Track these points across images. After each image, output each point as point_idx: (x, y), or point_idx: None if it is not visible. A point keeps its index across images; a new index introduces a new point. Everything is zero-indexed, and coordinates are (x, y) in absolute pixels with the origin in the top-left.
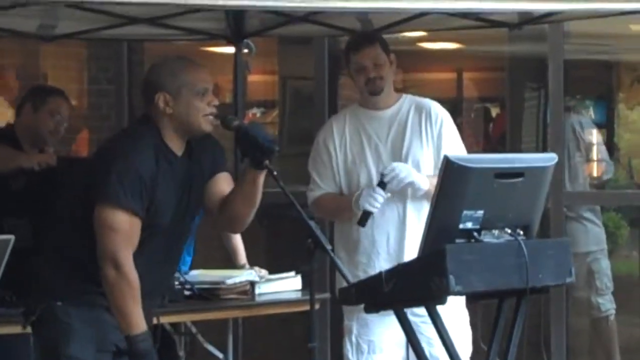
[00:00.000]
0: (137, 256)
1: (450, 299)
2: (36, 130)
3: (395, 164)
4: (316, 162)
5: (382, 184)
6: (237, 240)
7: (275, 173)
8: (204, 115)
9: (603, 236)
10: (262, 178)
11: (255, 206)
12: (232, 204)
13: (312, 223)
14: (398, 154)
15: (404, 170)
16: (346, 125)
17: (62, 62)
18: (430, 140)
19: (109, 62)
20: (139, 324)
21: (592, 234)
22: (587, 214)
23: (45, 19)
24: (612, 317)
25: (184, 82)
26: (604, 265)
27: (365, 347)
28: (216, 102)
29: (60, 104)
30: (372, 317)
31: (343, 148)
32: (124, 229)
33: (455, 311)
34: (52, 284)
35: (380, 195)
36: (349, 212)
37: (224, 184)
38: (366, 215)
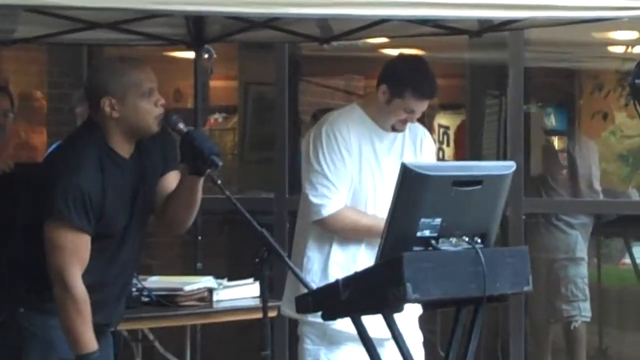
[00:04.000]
0: (96, 266)
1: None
2: None
3: None
4: (334, 164)
5: None
6: None
7: (219, 182)
8: (152, 116)
9: (575, 243)
10: (200, 183)
11: (194, 210)
12: (171, 207)
13: (263, 230)
14: (393, 180)
15: None
16: (360, 133)
17: (23, 67)
18: None
19: (69, 67)
20: (88, 344)
21: (560, 241)
22: (556, 222)
23: (4, 23)
24: (576, 324)
25: (129, 84)
26: (572, 272)
27: None
28: (163, 102)
29: None
30: (343, 339)
31: (358, 157)
32: (69, 246)
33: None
34: (14, 290)
35: None
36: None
37: (172, 183)
38: None
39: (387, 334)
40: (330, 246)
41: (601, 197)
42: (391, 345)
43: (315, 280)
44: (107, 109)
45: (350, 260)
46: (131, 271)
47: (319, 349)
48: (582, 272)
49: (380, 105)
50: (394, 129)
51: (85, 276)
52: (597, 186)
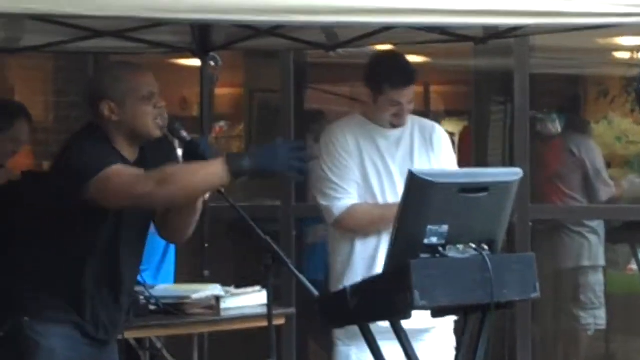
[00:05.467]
0: (98, 262)
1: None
2: None
3: None
4: (336, 167)
5: None
6: None
7: (222, 190)
8: (152, 119)
9: (597, 250)
10: None
11: (195, 217)
12: (172, 214)
13: (268, 238)
14: (404, 174)
15: None
16: (358, 135)
17: (29, 75)
18: (434, 165)
19: (75, 75)
20: (217, 172)
21: (582, 248)
22: (579, 228)
23: (10, 31)
24: (590, 332)
25: (128, 87)
26: (593, 280)
27: None
28: (163, 104)
29: (24, 128)
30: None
31: (359, 158)
32: (117, 178)
33: (442, 335)
34: (19, 299)
35: None
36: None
37: None
38: None
39: (427, 324)
40: (353, 245)
41: (613, 189)
42: (431, 338)
43: (341, 280)
44: (107, 112)
45: (372, 254)
46: (131, 276)
47: (349, 350)
48: (600, 280)
49: (371, 107)
50: (393, 125)
51: (90, 260)
52: (608, 178)
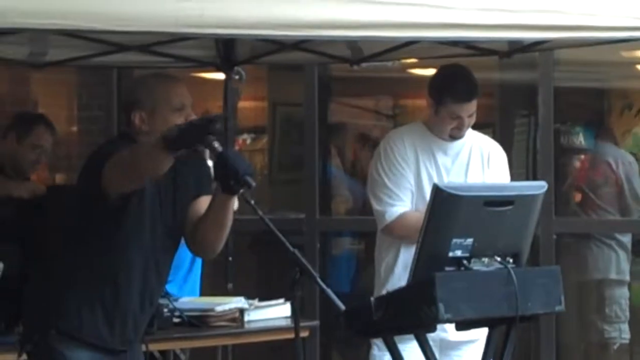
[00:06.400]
0: (125, 274)
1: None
2: (18, 161)
3: None
4: (393, 173)
5: None
6: None
7: (252, 202)
8: None
9: (625, 264)
10: (232, 203)
11: (225, 230)
12: (202, 226)
13: (296, 251)
14: None
15: None
16: (417, 144)
17: (53, 89)
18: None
19: (99, 89)
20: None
21: (610, 261)
22: (609, 241)
23: (35, 46)
24: (615, 346)
25: (160, 98)
26: (618, 293)
27: None
28: (193, 118)
29: (44, 135)
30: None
31: (415, 166)
32: (121, 153)
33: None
34: (46, 312)
35: None
36: None
37: (204, 207)
38: None
39: (465, 336)
40: (398, 252)
41: None
42: (471, 350)
43: (384, 288)
44: (137, 122)
45: None
46: (158, 288)
47: (383, 355)
48: (626, 293)
49: (432, 117)
50: (452, 136)
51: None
52: None
